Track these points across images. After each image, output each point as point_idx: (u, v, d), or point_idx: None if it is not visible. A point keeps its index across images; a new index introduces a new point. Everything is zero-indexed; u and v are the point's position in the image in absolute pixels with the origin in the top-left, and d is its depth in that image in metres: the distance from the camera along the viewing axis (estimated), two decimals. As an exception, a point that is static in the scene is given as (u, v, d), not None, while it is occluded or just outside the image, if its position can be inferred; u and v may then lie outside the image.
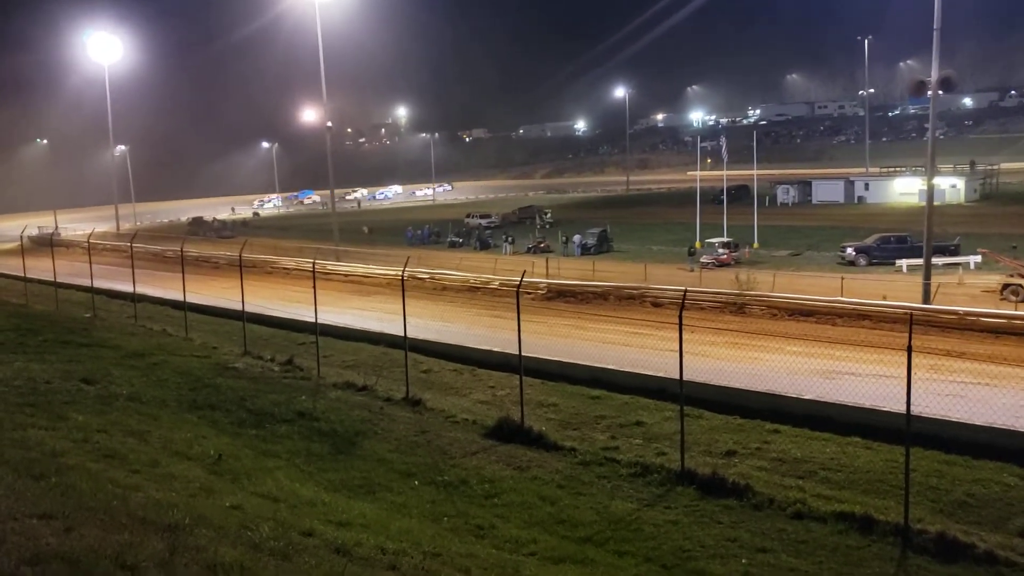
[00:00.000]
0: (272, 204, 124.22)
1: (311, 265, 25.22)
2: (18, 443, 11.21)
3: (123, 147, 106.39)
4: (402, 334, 19.67)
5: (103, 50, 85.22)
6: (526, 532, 11.64)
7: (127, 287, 31.62)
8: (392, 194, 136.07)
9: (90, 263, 32.00)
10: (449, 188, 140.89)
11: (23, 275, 35.65)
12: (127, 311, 30.17)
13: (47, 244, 44.21)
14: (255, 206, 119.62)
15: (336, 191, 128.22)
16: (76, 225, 74.95)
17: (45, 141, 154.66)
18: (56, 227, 73.88)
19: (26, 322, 26.91)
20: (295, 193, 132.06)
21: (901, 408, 12.11)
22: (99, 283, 32.12)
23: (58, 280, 33.75)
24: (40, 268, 36.53)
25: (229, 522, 8.41)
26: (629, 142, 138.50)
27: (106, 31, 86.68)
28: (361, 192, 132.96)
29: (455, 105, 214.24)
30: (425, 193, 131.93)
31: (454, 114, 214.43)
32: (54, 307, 31.14)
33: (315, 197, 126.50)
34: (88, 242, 36.81)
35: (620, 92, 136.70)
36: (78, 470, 9.96)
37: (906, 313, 23.75)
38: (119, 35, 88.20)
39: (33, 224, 60.44)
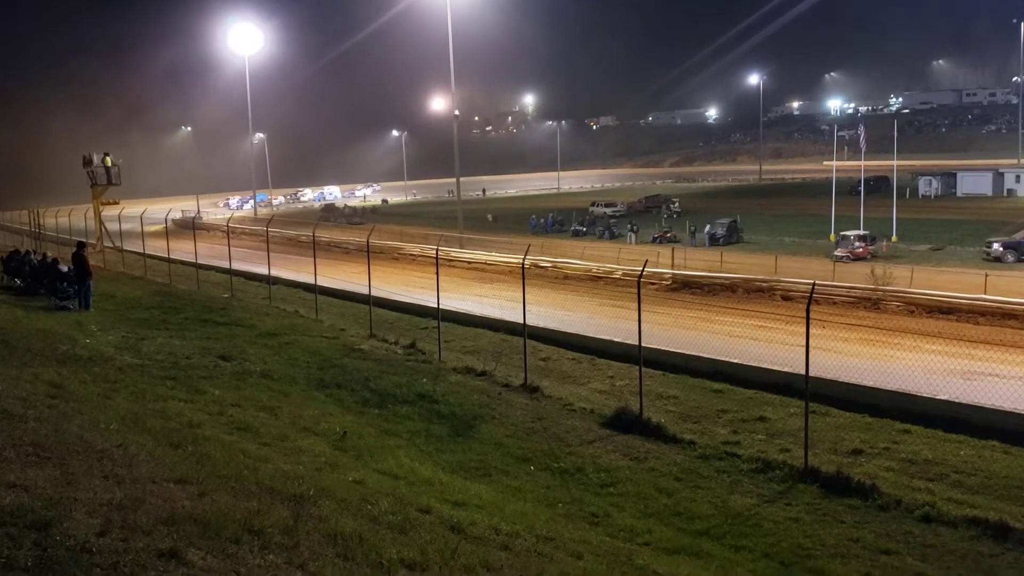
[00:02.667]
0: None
1: (435, 252, 25.69)
2: (159, 413, 11.88)
3: (261, 135, 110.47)
4: (522, 321, 19.81)
5: (244, 41, 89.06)
6: (641, 522, 11.55)
7: (263, 270, 32.88)
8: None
9: (229, 246, 33.45)
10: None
11: (167, 256, 37.60)
12: (262, 292, 31.40)
13: (190, 227, 46.47)
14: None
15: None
16: (217, 210, 78.31)
17: (189, 128, 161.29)
18: (198, 211, 77.52)
19: (169, 300, 28.47)
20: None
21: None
22: (237, 265, 33.56)
23: (199, 261, 35.28)
24: (183, 250, 38.33)
25: (351, 496, 8.67)
26: (762, 130, 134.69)
27: (247, 23, 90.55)
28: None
29: (583, 93, 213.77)
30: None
31: (582, 102, 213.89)
32: (195, 287, 32.69)
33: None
34: (227, 226, 38.51)
35: (754, 79, 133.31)
36: (213, 440, 10.46)
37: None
38: (259, 27, 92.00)
39: (177, 208, 63.51)
